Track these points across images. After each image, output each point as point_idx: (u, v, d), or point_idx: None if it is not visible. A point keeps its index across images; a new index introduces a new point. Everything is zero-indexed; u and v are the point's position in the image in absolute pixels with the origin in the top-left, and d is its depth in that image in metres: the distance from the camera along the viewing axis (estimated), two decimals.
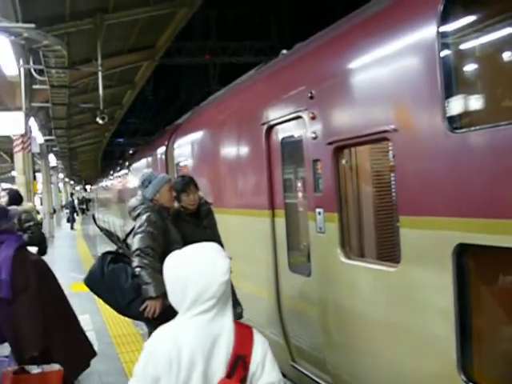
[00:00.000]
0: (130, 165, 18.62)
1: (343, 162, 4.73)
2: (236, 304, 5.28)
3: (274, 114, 5.79)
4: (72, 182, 65.21)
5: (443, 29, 3.37)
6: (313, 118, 4.91)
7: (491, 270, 3.53)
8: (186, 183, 5.46)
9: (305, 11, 22.86)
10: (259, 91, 6.82)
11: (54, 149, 31.32)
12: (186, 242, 5.23)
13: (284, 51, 7.04)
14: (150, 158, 13.66)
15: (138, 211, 4.83)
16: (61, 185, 48.35)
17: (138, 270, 4.54)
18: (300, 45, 6.39)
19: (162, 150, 11.76)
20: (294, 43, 7.13)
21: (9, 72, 13.59)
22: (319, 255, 5.04)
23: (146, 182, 4.97)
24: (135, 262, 4.57)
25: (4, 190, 9.24)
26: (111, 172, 28.69)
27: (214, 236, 5.39)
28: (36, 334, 4.23)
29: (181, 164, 10.03)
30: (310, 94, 4.94)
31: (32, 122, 17.41)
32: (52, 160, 31.32)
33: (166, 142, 11.35)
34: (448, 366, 3.41)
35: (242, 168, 7.02)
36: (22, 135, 15.76)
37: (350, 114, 4.53)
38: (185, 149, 9.81)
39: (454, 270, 3.31)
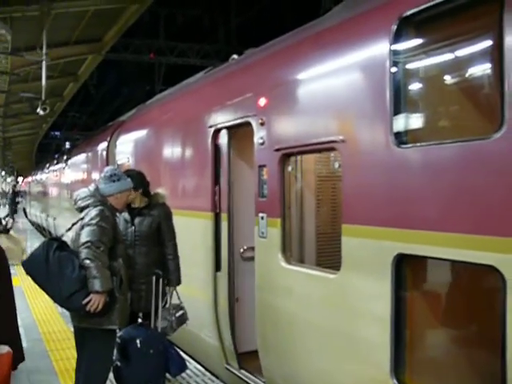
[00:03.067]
0: (68, 159, 18.14)
1: (289, 168, 4.82)
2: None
3: (222, 118, 5.82)
4: (3, 173, 62.90)
5: (395, 47, 3.51)
6: (262, 124, 4.97)
7: (428, 280, 3.70)
8: None
9: (253, 19, 22.98)
10: (209, 94, 6.83)
11: None
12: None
13: (234, 56, 7.07)
14: (90, 154, 13.33)
15: (88, 202, 4.67)
16: None
17: (87, 262, 4.39)
18: (252, 51, 6.45)
19: (103, 145, 11.53)
20: (241, 49, 7.17)
21: None
22: (260, 259, 5.10)
23: (115, 177, 4.84)
24: (84, 253, 4.42)
25: None
26: (47, 165, 27.86)
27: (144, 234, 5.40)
28: None
29: (122, 161, 9.87)
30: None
31: None
32: None
33: (108, 138, 11.13)
34: (381, 370, 3.53)
35: (186, 169, 7.00)
36: None
37: (299, 122, 4.61)
38: (128, 146, 9.65)
39: (392, 278, 3.44)
